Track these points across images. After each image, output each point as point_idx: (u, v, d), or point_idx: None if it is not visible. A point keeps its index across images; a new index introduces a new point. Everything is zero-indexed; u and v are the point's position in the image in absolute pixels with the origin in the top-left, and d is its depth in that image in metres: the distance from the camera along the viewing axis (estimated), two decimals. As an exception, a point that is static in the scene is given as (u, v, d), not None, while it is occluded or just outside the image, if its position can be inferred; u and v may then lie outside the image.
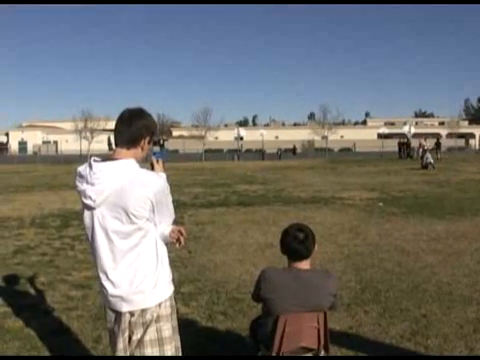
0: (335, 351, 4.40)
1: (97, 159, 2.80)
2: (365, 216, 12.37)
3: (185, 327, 4.73)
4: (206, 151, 60.66)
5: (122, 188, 2.70)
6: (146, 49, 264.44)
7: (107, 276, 2.82)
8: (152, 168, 3.25)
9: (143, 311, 2.81)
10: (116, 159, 2.79)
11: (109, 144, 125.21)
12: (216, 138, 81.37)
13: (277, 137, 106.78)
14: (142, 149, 2.90)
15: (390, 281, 6.82)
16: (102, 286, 2.87)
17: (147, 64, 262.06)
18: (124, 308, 2.82)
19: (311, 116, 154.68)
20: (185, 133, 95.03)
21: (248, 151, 77.05)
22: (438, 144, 44.10)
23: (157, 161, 3.31)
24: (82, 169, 2.82)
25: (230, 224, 11.49)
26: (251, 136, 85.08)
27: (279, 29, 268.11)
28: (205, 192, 18.93)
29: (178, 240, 3.10)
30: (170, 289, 2.97)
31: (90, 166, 2.77)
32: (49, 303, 6.14)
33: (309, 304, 3.43)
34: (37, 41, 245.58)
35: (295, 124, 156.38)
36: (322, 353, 3.57)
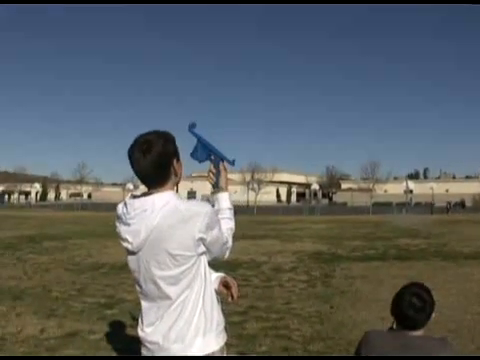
0: None
1: (136, 195, 2.46)
2: None
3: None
4: (374, 204, 59.48)
5: (160, 227, 2.30)
6: (315, 101, 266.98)
7: (149, 322, 2.45)
8: (216, 180, 2.76)
9: None
10: (151, 194, 2.39)
11: (278, 196, 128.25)
12: (385, 191, 79.74)
13: (447, 190, 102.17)
14: (176, 174, 2.48)
15: None
16: (140, 331, 2.49)
17: (315, 116, 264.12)
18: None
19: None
20: (354, 186, 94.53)
21: (417, 204, 74.21)
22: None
23: (222, 166, 2.74)
24: (119, 208, 2.47)
25: (382, 279, 10.88)
26: (421, 189, 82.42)
27: (442, 76, 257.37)
28: (364, 245, 18.41)
29: (231, 296, 2.64)
30: (219, 341, 2.43)
31: (125, 204, 2.41)
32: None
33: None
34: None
35: (467, 177, 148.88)
36: None
